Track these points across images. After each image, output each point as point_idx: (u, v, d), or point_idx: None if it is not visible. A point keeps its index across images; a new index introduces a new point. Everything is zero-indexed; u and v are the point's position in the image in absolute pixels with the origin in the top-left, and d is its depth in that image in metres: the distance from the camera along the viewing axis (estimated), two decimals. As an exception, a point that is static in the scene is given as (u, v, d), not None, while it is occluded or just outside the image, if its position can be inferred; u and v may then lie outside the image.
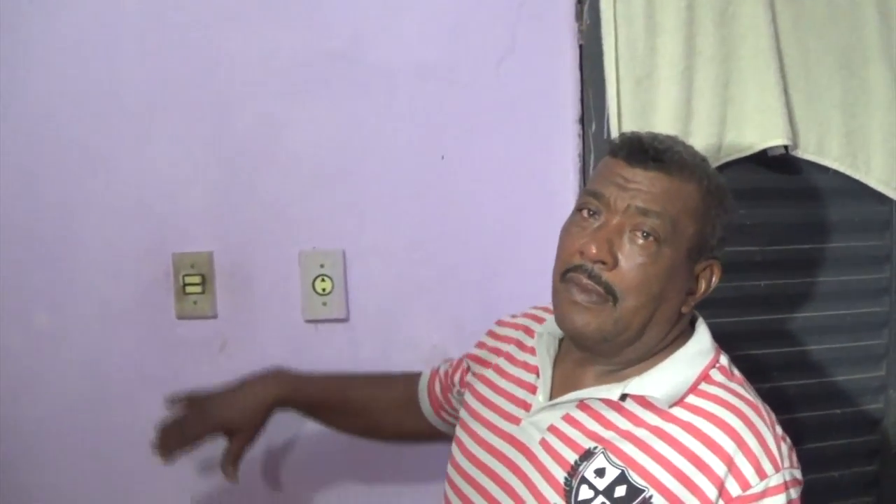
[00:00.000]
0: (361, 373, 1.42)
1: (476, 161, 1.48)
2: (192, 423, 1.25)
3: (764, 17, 1.54)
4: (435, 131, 1.47)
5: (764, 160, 1.58)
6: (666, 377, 1.04)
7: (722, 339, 1.57)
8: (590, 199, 1.05)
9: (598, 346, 1.05)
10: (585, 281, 1.02)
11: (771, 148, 1.56)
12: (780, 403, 1.63)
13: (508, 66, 1.48)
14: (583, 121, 1.50)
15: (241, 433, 1.26)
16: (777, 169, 1.61)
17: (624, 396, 1.04)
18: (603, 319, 1.02)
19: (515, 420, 1.11)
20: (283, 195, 1.47)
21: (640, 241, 1.01)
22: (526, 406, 1.12)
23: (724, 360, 1.08)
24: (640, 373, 1.06)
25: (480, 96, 1.48)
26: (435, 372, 1.35)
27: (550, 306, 1.09)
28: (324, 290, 1.47)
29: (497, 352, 1.23)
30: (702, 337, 1.09)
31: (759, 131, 1.56)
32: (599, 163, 1.10)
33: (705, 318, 1.56)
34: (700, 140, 1.53)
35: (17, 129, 1.45)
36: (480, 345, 1.28)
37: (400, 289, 1.48)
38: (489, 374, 1.21)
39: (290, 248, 1.47)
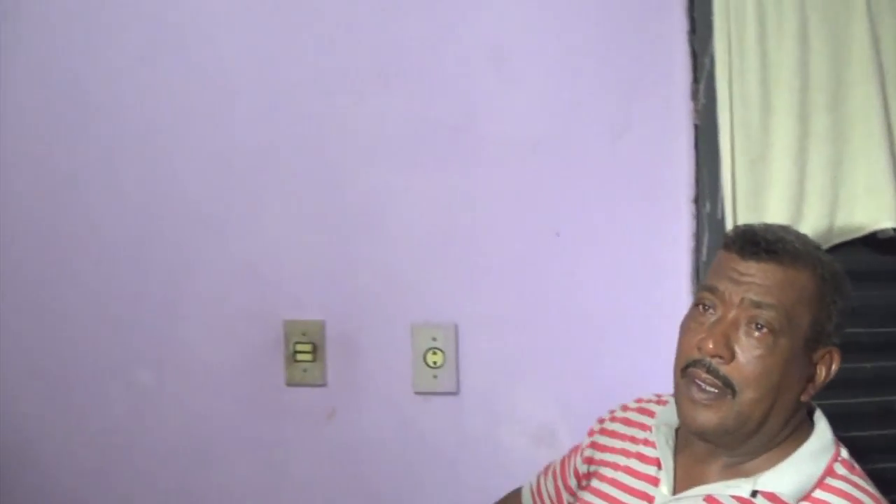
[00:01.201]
0: None
1: (589, 238, 1.48)
2: None
3: (876, 99, 1.53)
4: (548, 206, 1.47)
5: (873, 241, 1.57)
6: (793, 473, 1.04)
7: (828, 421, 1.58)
8: (706, 294, 1.06)
9: (721, 439, 1.05)
10: (704, 375, 1.03)
11: (881, 230, 1.55)
12: (884, 486, 1.62)
13: (624, 143, 1.48)
14: (697, 200, 1.50)
15: None
16: (886, 250, 1.59)
17: (755, 493, 1.04)
18: (724, 414, 1.02)
19: None
20: (395, 266, 1.48)
21: (756, 334, 1.02)
22: (648, 498, 1.11)
23: (844, 453, 1.08)
24: (765, 467, 1.05)
25: (595, 172, 1.48)
26: (539, 479, 1.33)
27: (654, 396, 1.12)
28: (435, 363, 1.47)
29: (611, 450, 1.22)
30: (823, 431, 1.09)
31: (870, 213, 1.55)
32: (715, 257, 1.11)
33: (817, 397, 1.57)
34: (812, 221, 1.52)
35: (131, 190, 1.49)
36: (593, 444, 1.25)
37: (510, 364, 1.48)
38: (604, 470, 1.20)
39: (402, 320, 1.48)
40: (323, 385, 1.48)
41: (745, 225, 1.09)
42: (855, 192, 1.55)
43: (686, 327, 1.08)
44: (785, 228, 1.09)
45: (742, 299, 1.03)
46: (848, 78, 1.54)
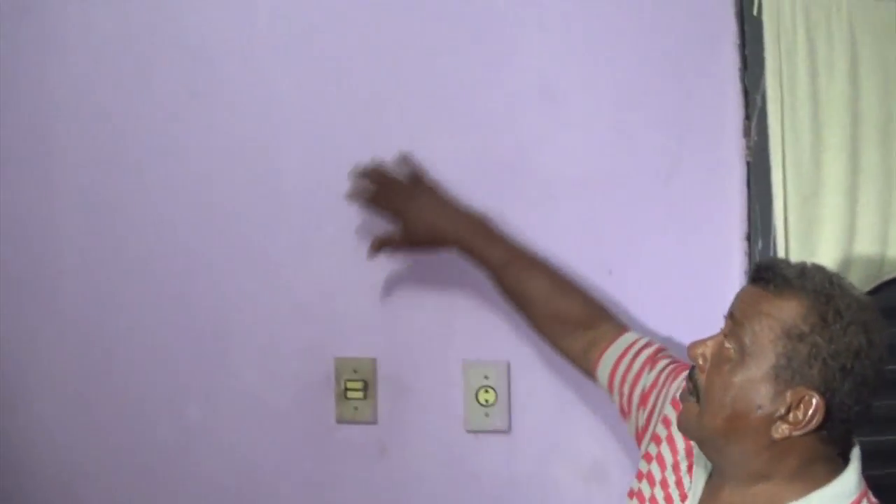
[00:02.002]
0: (564, 281, 1.36)
1: (642, 276, 1.47)
2: (390, 196, 1.38)
3: (926, 134, 1.53)
4: (600, 244, 1.47)
5: (923, 277, 1.56)
6: None
7: (874, 458, 1.56)
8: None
9: (701, 447, 1.10)
10: (688, 380, 1.09)
11: (932, 265, 1.55)
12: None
13: (676, 180, 1.48)
14: (749, 238, 1.49)
15: (409, 236, 1.37)
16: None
17: None
18: (689, 414, 1.08)
19: None
20: (448, 304, 1.48)
21: (726, 350, 1.05)
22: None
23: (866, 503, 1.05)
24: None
25: (647, 210, 1.48)
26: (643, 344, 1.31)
27: None
28: (487, 401, 1.46)
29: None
30: (847, 478, 1.05)
31: (920, 248, 1.55)
32: None
33: (874, 433, 1.55)
34: (862, 257, 1.52)
35: (182, 226, 1.49)
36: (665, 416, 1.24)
37: (562, 402, 1.47)
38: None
39: (453, 357, 1.47)
40: (374, 423, 1.48)
41: (773, 256, 1.11)
42: (906, 228, 1.55)
43: None
44: (801, 265, 1.06)
45: (729, 315, 1.07)
46: (898, 113, 1.54)
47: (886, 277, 1.55)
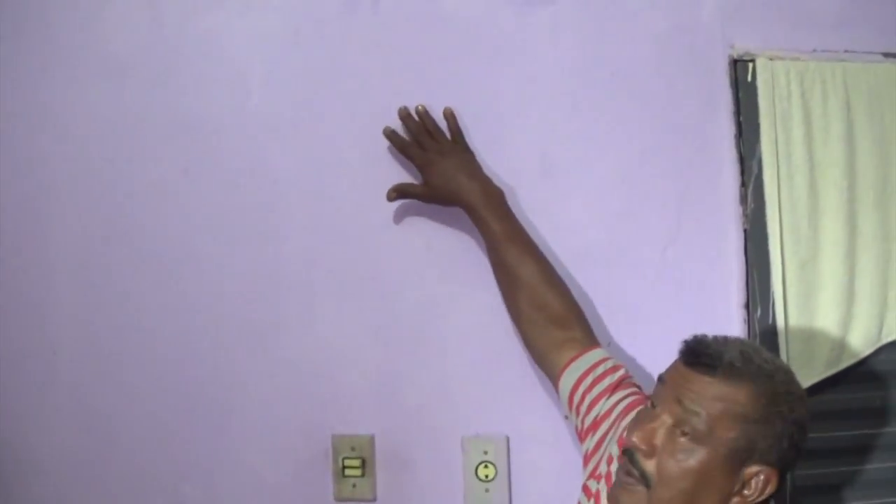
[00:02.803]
0: (555, 277, 1.38)
1: (641, 347, 1.46)
2: (423, 147, 1.42)
3: (922, 195, 1.53)
4: (599, 316, 1.46)
5: (923, 340, 1.56)
6: None
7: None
8: (657, 386, 1.13)
9: None
10: (627, 464, 1.10)
11: (931, 327, 1.54)
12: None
13: (674, 249, 1.47)
14: (748, 305, 1.49)
15: (428, 190, 1.41)
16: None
17: None
18: (636, 499, 1.08)
19: None
20: (444, 378, 1.46)
21: (679, 438, 1.07)
22: None
23: None
24: None
25: (646, 281, 1.47)
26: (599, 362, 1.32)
27: None
28: (487, 476, 1.44)
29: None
30: None
31: (919, 310, 1.54)
32: None
33: (872, 496, 1.55)
34: (862, 321, 1.51)
35: (181, 301, 1.48)
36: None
37: (563, 476, 1.44)
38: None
39: (452, 433, 1.45)
40: (373, 500, 1.46)
41: (699, 335, 1.13)
42: (904, 290, 1.54)
43: (635, 418, 1.16)
44: (741, 343, 1.12)
45: (675, 401, 1.08)
46: (894, 175, 1.53)
47: (886, 341, 1.54)
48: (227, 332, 1.47)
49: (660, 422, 1.08)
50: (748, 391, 1.06)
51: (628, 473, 1.10)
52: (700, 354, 1.09)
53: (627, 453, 1.10)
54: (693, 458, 1.05)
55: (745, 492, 1.07)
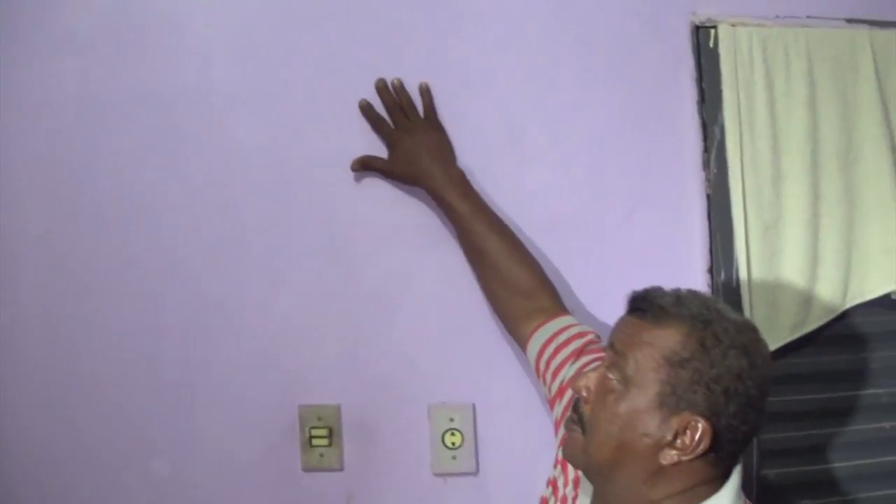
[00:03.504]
0: (520, 249, 1.39)
1: (607, 313, 1.46)
2: (393, 121, 1.43)
3: (886, 160, 1.53)
4: (566, 283, 1.46)
5: (888, 302, 1.56)
6: None
7: (849, 482, 1.57)
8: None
9: (586, 475, 1.11)
10: (572, 412, 1.10)
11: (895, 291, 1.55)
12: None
13: (638, 216, 1.48)
14: (712, 270, 1.49)
15: (390, 166, 1.43)
16: (900, 310, 1.59)
17: None
18: (574, 446, 1.09)
19: None
20: (410, 347, 1.46)
21: (608, 381, 1.05)
22: None
23: None
24: None
25: (611, 248, 1.48)
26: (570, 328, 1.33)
27: None
28: (453, 443, 1.45)
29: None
30: (721, 499, 1.06)
31: (884, 274, 1.55)
32: None
33: (839, 459, 1.56)
34: (826, 285, 1.52)
35: (142, 279, 1.47)
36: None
37: (529, 443, 1.46)
38: None
39: (418, 401, 1.46)
40: (340, 470, 1.46)
41: (652, 286, 1.10)
42: (868, 254, 1.55)
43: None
44: (677, 293, 1.08)
45: (609, 346, 1.08)
46: (857, 141, 1.54)
47: (850, 304, 1.55)
48: (191, 307, 1.46)
49: (598, 367, 1.09)
50: (676, 334, 1.03)
51: (571, 420, 1.10)
52: (637, 300, 1.08)
53: (574, 402, 1.11)
54: (621, 401, 1.03)
55: (677, 442, 1.02)
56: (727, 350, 1.03)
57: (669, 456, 1.03)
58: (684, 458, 1.02)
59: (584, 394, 1.07)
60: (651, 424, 1.03)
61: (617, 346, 1.06)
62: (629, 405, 1.03)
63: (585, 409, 1.07)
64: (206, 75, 1.46)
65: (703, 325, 1.03)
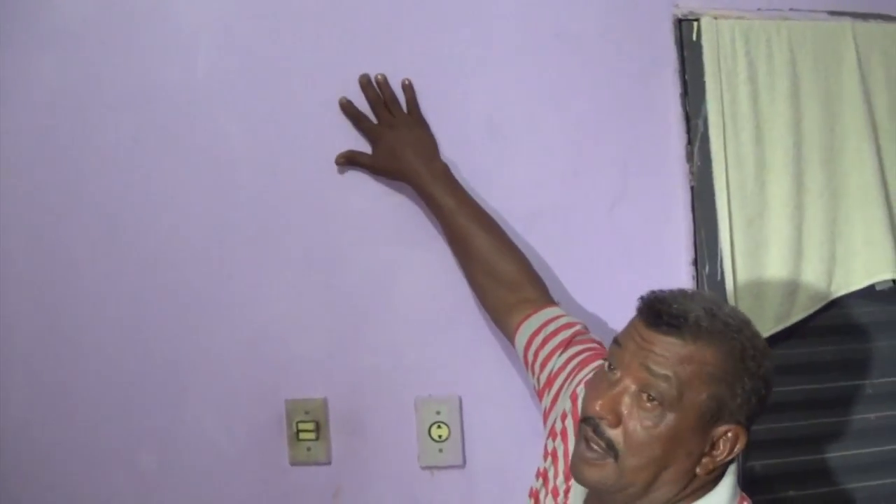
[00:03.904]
0: (506, 242, 1.40)
1: (590, 305, 1.47)
2: (376, 117, 1.43)
3: (868, 151, 1.54)
4: (549, 276, 1.46)
5: (872, 293, 1.57)
6: None
7: (834, 473, 1.58)
8: (614, 349, 1.07)
9: (607, 495, 1.07)
10: (591, 434, 1.05)
11: (879, 281, 1.56)
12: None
13: (621, 209, 1.49)
14: (696, 262, 1.50)
15: (374, 161, 1.43)
16: (886, 301, 1.59)
17: None
18: (605, 473, 1.04)
19: None
20: (397, 341, 1.47)
21: (646, 404, 1.02)
22: None
23: None
24: None
25: (594, 240, 1.49)
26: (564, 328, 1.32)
27: None
28: (440, 436, 1.46)
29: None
30: (721, 493, 1.07)
31: (868, 265, 1.55)
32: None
33: (825, 450, 1.57)
34: (810, 277, 1.53)
35: (131, 272, 1.47)
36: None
37: (516, 435, 1.47)
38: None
39: (405, 395, 1.46)
40: (327, 463, 1.47)
41: (657, 292, 1.08)
42: (852, 246, 1.56)
43: (591, 381, 1.11)
44: (701, 298, 1.08)
45: (640, 366, 1.03)
46: (841, 132, 1.55)
47: (834, 296, 1.56)
48: (177, 301, 1.46)
49: (622, 387, 1.04)
50: (717, 350, 1.02)
51: (591, 446, 1.05)
52: (662, 314, 1.03)
53: (591, 423, 1.05)
54: (663, 423, 1.01)
55: (715, 451, 1.04)
56: (761, 359, 1.05)
57: (704, 465, 1.05)
58: (717, 464, 1.05)
59: (610, 416, 1.03)
60: (693, 441, 1.03)
61: (652, 368, 1.02)
62: (672, 426, 1.02)
63: (612, 434, 1.03)
64: (191, 70, 1.46)
65: (735, 337, 1.04)
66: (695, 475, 1.05)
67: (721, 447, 1.04)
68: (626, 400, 1.03)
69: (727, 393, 1.02)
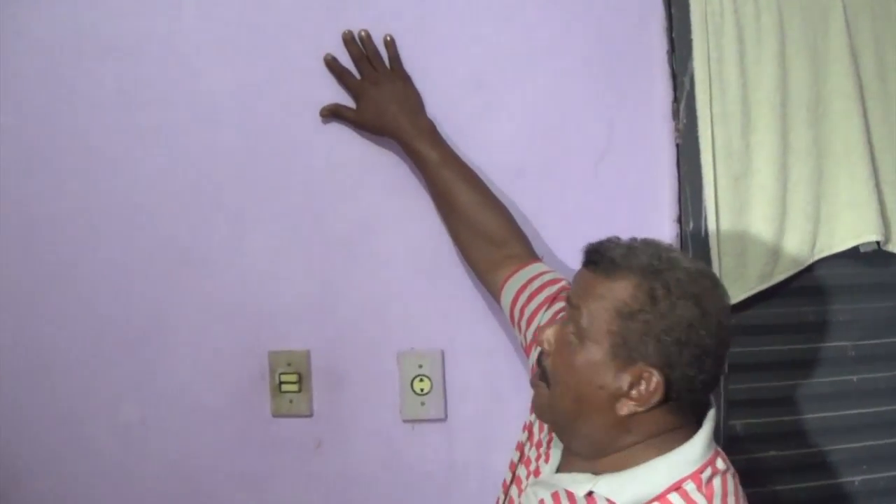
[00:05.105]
0: (490, 198, 1.40)
1: (573, 261, 1.45)
2: (360, 73, 1.43)
3: (855, 114, 1.54)
4: (533, 230, 1.47)
5: (856, 254, 1.57)
6: (636, 481, 1.05)
7: (815, 434, 1.58)
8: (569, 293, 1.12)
9: (554, 429, 1.13)
10: (536, 365, 1.13)
11: (864, 243, 1.56)
12: (872, 493, 1.63)
13: (606, 165, 1.49)
14: (680, 220, 1.50)
15: (358, 116, 1.43)
16: (870, 263, 1.60)
17: (590, 493, 1.06)
18: (541, 401, 1.11)
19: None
20: (379, 294, 1.47)
21: (569, 336, 1.07)
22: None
23: (708, 471, 1.05)
24: (611, 469, 1.07)
25: (578, 196, 1.49)
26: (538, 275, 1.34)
27: None
28: (422, 390, 1.46)
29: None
30: (693, 446, 1.07)
31: (852, 227, 1.55)
32: None
33: (806, 411, 1.57)
34: (794, 237, 1.53)
35: (111, 227, 1.47)
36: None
37: (498, 389, 1.48)
38: None
39: (387, 348, 1.47)
40: (309, 416, 1.47)
41: (609, 237, 1.11)
42: (837, 207, 1.56)
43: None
44: (649, 245, 1.08)
45: (567, 300, 1.10)
46: (827, 93, 1.55)
47: (818, 256, 1.56)
48: (159, 254, 1.46)
49: (558, 319, 1.11)
50: (627, 286, 1.03)
51: (535, 375, 1.11)
52: (590, 252, 1.09)
53: (539, 354, 1.12)
54: (578, 354, 1.05)
55: (633, 392, 1.04)
56: (677, 300, 1.03)
57: (626, 407, 1.05)
58: (640, 408, 1.04)
59: (546, 347, 1.09)
60: (606, 376, 1.04)
61: (572, 300, 1.07)
62: (584, 358, 1.05)
63: (547, 363, 1.09)
64: (176, 22, 1.45)
65: (653, 276, 1.04)
66: (620, 417, 1.05)
67: (640, 390, 1.03)
68: (557, 332, 1.09)
69: (636, 331, 1.03)
